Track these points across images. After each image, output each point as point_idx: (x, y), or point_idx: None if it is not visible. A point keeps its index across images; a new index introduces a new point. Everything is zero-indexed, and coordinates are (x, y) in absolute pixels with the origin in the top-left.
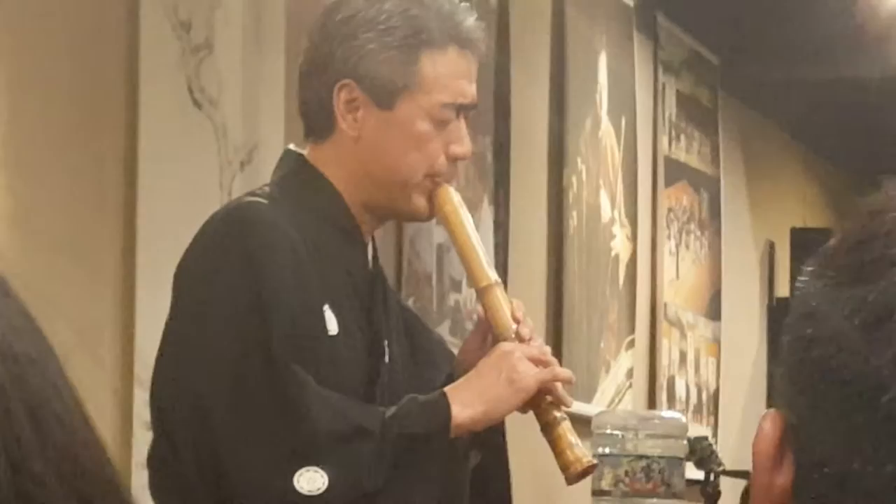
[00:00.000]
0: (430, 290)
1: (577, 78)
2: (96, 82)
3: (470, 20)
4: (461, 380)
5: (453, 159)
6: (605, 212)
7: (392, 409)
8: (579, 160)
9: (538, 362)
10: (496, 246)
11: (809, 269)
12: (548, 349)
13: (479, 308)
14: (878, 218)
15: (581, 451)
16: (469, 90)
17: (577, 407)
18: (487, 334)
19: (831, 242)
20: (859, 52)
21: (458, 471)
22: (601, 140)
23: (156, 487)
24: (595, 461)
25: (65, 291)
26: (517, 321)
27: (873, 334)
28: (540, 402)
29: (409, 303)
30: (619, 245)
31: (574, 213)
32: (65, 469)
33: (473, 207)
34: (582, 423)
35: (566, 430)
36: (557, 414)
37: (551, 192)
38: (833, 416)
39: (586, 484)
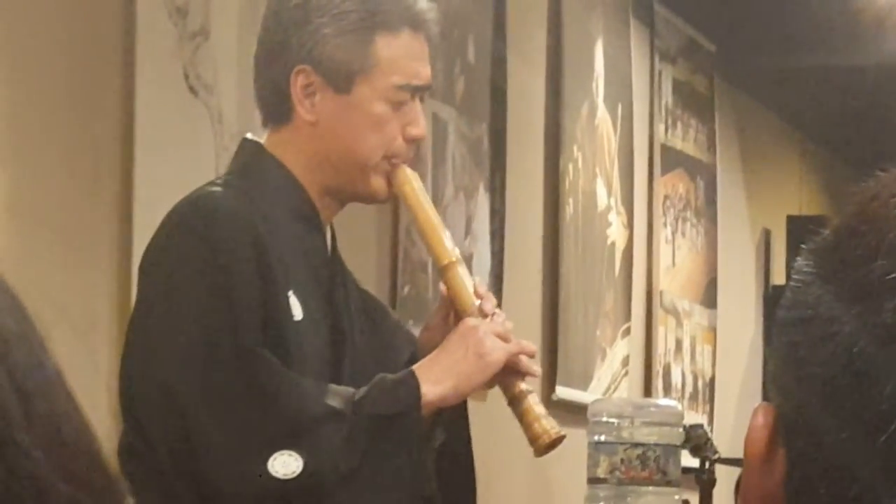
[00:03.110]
0: (426, 278)
1: (574, 65)
2: (93, 69)
3: (422, 2)
4: (428, 357)
5: (410, 140)
6: (602, 199)
7: (362, 390)
8: (575, 147)
9: (502, 338)
10: (492, 233)
11: (807, 269)
12: (510, 325)
13: (442, 286)
14: (875, 202)
15: (549, 422)
16: (423, 72)
17: (573, 394)
18: (450, 312)
19: (827, 235)
20: (856, 39)
21: (424, 450)
22: (597, 127)
23: (127, 478)
24: (563, 432)
25: (61, 278)
26: (480, 297)
27: (888, 356)
28: (507, 377)
29: (405, 291)
30: (615, 233)
31: (570, 201)
32: (49, 442)
33: (469, 194)
34: (577, 411)
35: (533, 402)
36: (524, 387)
37: (547, 179)
38: (832, 429)
39: (581, 471)
